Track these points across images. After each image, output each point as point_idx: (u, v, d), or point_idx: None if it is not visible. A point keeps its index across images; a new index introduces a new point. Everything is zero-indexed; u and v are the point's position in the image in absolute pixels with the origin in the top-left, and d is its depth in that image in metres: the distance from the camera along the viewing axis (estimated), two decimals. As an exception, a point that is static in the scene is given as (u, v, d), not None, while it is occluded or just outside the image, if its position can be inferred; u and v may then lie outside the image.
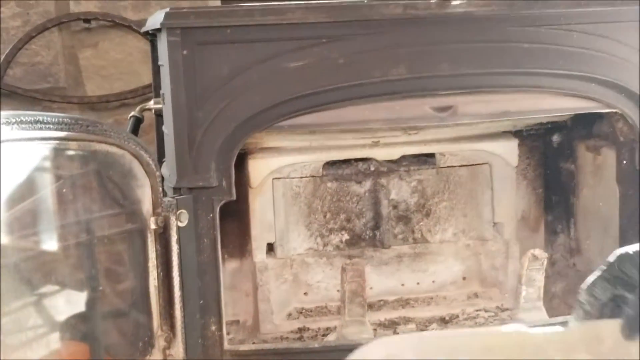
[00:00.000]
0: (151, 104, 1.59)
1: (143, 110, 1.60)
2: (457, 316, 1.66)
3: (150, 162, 1.18)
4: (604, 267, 0.93)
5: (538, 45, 1.30)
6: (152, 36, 1.55)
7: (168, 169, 1.37)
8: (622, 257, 0.92)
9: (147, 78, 2.13)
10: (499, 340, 1.05)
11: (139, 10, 2.19)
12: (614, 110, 1.41)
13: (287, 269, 1.68)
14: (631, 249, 0.93)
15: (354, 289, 1.42)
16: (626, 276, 0.91)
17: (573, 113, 1.51)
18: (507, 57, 1.30)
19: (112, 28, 2.17)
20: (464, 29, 1.29)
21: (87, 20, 2.09)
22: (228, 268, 1.65)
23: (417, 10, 1.26)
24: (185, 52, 1.25)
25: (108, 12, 2.15)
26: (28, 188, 1.02)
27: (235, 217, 1.62)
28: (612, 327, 0.97)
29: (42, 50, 2.17)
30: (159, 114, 1.57)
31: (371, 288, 1.70)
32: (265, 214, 1.64)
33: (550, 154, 1.75)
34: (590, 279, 0.94)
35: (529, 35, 1.30)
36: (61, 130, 1.05)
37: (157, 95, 1.57)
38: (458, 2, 1.25)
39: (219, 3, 1.79)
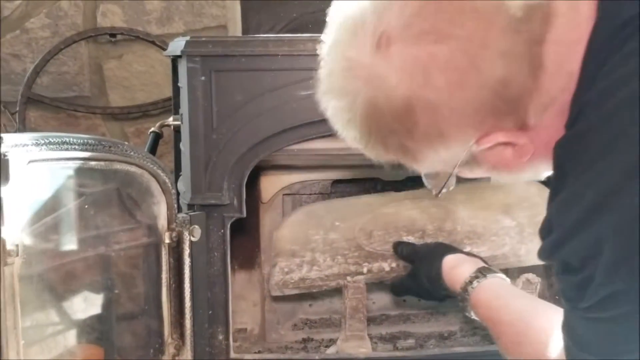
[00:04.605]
0: (170, 120, 1.67)
1: (162, 126, 1.68)
2: (455, 333, 1.72)
3: (167, 180, 1.26)
4: None
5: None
6: (173, 59, 1.63)
7: (184, 185, 1.45)
8: None
9: (168, 90, 2.20)
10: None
11: (163, 25, 2.28)
12: None
13: (294, 281, 1.75)
14: None
15: (354, 305, 1.49)
16: None
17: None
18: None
19: (136, 41, 2.25)
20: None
21: (112, 35, 2.18)
22: (238, 278, 1.72)
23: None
24: (203, 78, 1.33)
25: (133, 25, 2.24)
26: (54, 204, 1.11)
27: (247, 230, 1.69)
28: None
29: (69, 61, 2.27)
30: (177, 130, 1.66)
31: (374, 302, 1.77)
32: (275, 227, 1.71)
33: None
34: None
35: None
36: (85, 150, 1.13)
37: (177, 112, 1.65)
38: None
39: (239, 26, 1.87)
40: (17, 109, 2.07)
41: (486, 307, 1.20)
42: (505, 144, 0.83)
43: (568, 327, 0.84)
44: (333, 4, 0.86)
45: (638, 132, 0.70)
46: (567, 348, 0.85)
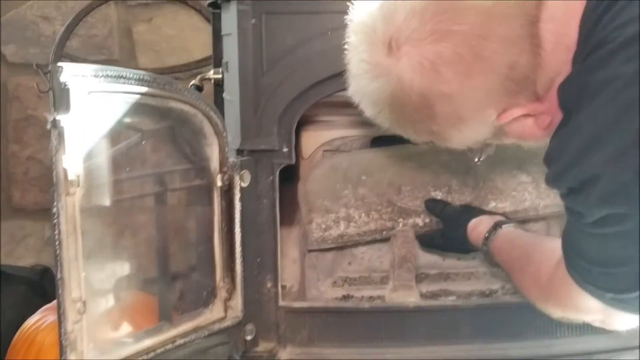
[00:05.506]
0: (210, 74, 1.65)
1: (203, 79, 1.66)
2: (497, 291, 1.70)
3: (219, 122, 1.24)
4: None
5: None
6: (214, 7, 1.61)
7: (230, 135, 1.43)
8: None
9: (198, 54, 2.19)
10: None
11: (192, -13, 2.25)
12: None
13: (334, 238, 1.73)
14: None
15: (403, 255, 1.48)
16: None
17: None
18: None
19: (165, 4, 2.23)
20: None
21: (145, -6, 2.16)
22: (277, 235, 1.71)
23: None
24: (253, 20, 1.30)
25: (163, -12, 2.22)
26: (112, 138, 1.09)
27: (286, 186, 1.67)
28: None
29: (98, 23, 2.25)
30: (217, 84, 1.64)
31: (412, 261, 1.75)
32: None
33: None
34: None
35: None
36: (141, 85, 1.12)
37: (217, 65, 1.63)
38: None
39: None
40: (50, 68, 2.04)
41: (499, 251, 1.32)
42: (525, 115, 0.92)
43: (568, 238, 0.95)
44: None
45: (632, 71, 0.77)
46: (566, 255, 0.96)
